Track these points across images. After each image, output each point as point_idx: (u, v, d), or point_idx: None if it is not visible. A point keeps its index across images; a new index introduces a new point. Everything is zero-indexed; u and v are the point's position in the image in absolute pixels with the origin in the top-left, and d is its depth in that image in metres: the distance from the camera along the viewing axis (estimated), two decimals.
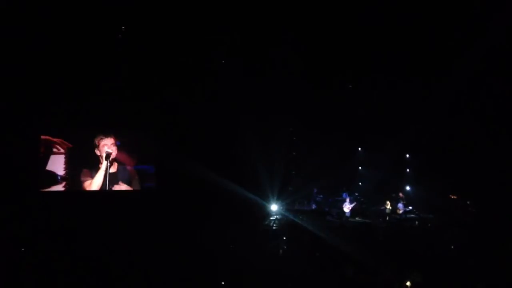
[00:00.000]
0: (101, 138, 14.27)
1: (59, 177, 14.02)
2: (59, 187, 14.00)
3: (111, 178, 14.18)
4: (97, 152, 14.25)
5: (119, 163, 14.50)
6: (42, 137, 14.02)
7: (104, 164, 14.13)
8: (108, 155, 14.11)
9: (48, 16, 11.74)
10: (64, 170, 14.09)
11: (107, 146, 14.23)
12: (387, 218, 16.25)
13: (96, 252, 9.76)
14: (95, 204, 13.61)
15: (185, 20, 12.74)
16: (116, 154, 14.41)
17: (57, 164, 14.07)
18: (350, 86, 16.37)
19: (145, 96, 14.39)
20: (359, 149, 19.24)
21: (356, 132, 17.37)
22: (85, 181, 14.13)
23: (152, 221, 12.58)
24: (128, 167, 14.62)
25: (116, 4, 11.98)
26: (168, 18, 12.58)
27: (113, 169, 14.30)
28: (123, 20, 12.89)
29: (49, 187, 13.95)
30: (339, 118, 16.47)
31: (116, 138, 14.46)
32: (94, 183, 14.10)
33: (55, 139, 14.12)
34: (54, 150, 14.11)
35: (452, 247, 11.48)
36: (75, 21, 12.00)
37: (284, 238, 12.87)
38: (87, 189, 14.08)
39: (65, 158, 14.15)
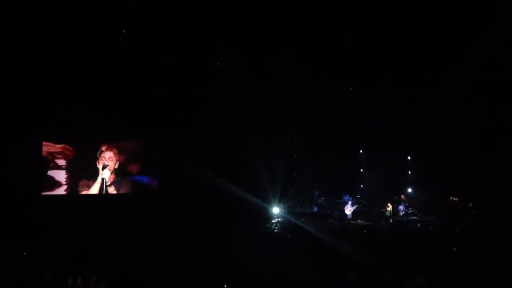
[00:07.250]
0: (101, 151, 14.56)
1: (61, 182, 14.14)
2: (61, 191, 14.11)
3: (108, 189, 14.49)
4: (97, 164, 14.56)
5: (116, 175, 14.74)
6: (44, 142, 14.12)
7: (100, 175, 14.42)
8: (104, 167, 14.46)
9: (51, 20, 11.79)
10: (66, 174, 14.23)
11: (104, 158, 14.54)
12: (389, 221, 16.23)
13: (97, 253, 9.80)
14: (95, 207, 13.71)
15: (187, 27, 12.76)
16: (115, 165, 14.63)
17: (58, 169, 14.21)
18: (352, 88, 16.42)
19: (146, 103, 14.49)
20: (361, 151, 19.22)
21: (357, 135, 17.37)
22: (82, 190, 14.40)
23: (155, 224, 12.63)
24: (125, 178, 14.87)
25: (119, 11, 12.01)
26: (170, 25, 12.59)
27: (110, 180, 14.56)
28: (126, 25, 12.92)
29: (51, 191, 14.05)
30: (340, 120, 16.48)
31: (116, 150, 14.76)
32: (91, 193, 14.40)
33: (57, 145, 14.22)
34: (56, 155, 14.20)
35: (454, 249, 11.47)
36: (78, 26, 12.04)
37: (286, 241, 12.88)
38: None
39: (67, 164, 14.28)
